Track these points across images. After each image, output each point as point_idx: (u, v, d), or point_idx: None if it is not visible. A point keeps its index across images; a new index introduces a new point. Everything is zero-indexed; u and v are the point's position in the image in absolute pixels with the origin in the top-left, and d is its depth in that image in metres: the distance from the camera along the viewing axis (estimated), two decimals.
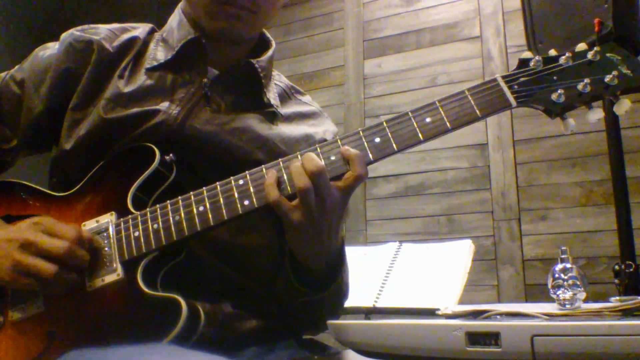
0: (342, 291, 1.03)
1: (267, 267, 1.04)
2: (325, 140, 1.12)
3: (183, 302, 0.83)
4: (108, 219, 0.93)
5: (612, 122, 1.80)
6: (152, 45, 1.10)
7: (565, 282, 1.23)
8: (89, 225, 0.94)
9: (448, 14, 3.05)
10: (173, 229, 0.89)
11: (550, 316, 1.18)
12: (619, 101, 0.86)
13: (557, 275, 1.24)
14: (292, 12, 3.43)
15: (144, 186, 0.95)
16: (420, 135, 0.87)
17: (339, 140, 0.89)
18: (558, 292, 1.24)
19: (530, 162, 2.72)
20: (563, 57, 0.88)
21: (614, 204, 1.80)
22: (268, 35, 1.17)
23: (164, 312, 0.83)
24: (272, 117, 1.10)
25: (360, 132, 0.89)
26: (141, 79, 1.05)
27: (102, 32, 1.10)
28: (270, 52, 1.14)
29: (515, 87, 0.88)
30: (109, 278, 0.89)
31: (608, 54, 0.87)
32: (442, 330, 1.22)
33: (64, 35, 1.10)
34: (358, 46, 3.24)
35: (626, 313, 1.15)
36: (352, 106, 3.18)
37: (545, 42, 1.83)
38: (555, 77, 0.88)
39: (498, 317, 1.25)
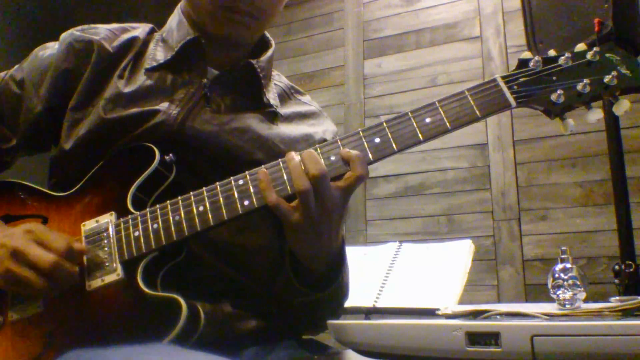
0: (342, 291, 1.03)
1: (267, 267, 1.04)
2: (325, 140, 1.12)
3: (183, 302, 0.82)
4: (108, 219, 0.93)
5: (612, 122, 1.80)
6: (151, 46, 1.10)
7: (565, 282, 1.23)
8: (89, 225, 0.94)
9: (448, 14, 3.05)
10: (173, 229, 0.89)
11: (550, 316, 1.18)
12: (618, 101, 0.86)
13: (557, 275, 1.24)
14: (292, 12, 3.43)
15: (144, 186, 0.95)
16: (420, 135, 0.87)
17: (339, 141, 0.89)
18: (558, 292, 1.24)
19: (530, 162, 2.72)
20: (562, 57, 0.88)
21: (614, 204, 1.80)
22: (268, 35, 1.17)
23: (164, 312, 0.83)
24: (272, 117, 1.10)
25: (360, 133, 0.89)
26: (141, 79, 1.05)
27: (101, 32, 1.10)
28: (269, 52, 1.14)
29: (515, 87, 0.88)
30: (109, 278, 0.89)
31: (607, 55, 0.87)
32: (442, 330, 1.22)
33: (63, 35, 1.10)
34: (358, 46, 3.24)
35: (626, 313, 1.15)
36: (352, 106, 3.18)
37: (545, 42, 1.83)
38: (554, 78, 0.88)
39: (498, 317, 1.25)
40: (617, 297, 1.37)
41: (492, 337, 1.15)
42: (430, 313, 1.44)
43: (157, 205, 0.92)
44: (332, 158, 0.87)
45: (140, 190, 0.95)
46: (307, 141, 1.11)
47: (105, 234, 0.92)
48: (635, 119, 2.50)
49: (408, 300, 1.57)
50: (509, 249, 2.67)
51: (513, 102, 0.87)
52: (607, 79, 0.85)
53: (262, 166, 0.89)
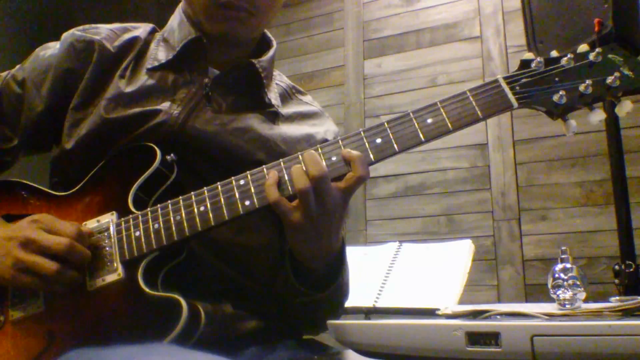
0: (342, 291, 1.03)
1: (267, 267, 1.04)
2: (326, 140, 1.12)
3: (183, 302, 0.83)
4: (109, 219, 0.93)
5: (612, 123, 1.80)
6: (153, 45, 1.10)
7: (565, 282, 1.23)
8: (90, 224, 0.94)
9: (448, 14, 3.05)
10: (174, 228, 0.89)
11: (550, 316, 1.18)
12: (621, 103, 0.86)
13: (557, 275, 1.25)
14: (292, 12, 3.43)
15: (145, 186, 0.95)
16: (421, 135, 0.87)
17: (340, 141, 0.89)
18: (558, 292, 1.24)
19: (530, 162, 2.72)
20: (564, 58, 0.88)
21: (614, 204, 1.80)
22: (269, 35, 1.17)
23: (165, 312, 0.83)
24: (273, 117, 1.10)
25: (362, 133, 0.89)
26: (142, 79, 1.05)
27: (103, 32, 1.10)
28: (271, 52, 1.14)
29: (517, 88, 0.88)
30: (110, 278, 0.89)
31: (610, 55, 0.87)
32: (442, 330, 1.22)
33: (65, 35, 1.10)
34: (358, 46, 3.24)
35: (626, 313, 1.16)
36: (352, 106, 3.18)
37: (545, 42, 1.83)
38: (556, 79, 0.87)
39: (498, 317, 1.25)
40: (617, 297, 1.38)
41: (492, 337, 1.15)
42: (430, 313, 1.44)
43: (158, 205, 0.92)
44: (333, 158, 0.87)
45: (142, 190, 0.95)
46: (308, 141, 1.11)
47: (106, 234, 0.92)
48: (635, 119, 2.49)
49: (408, 300, 1.57)
50: (509, 249, 2.67)
51: (515, 103, 0.87)
52: (609, 80, 0.85)
53: (263, 166, 0.89)
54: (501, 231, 2.71)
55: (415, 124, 0.87)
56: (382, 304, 1.59)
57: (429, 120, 0.87)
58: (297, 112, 1.16)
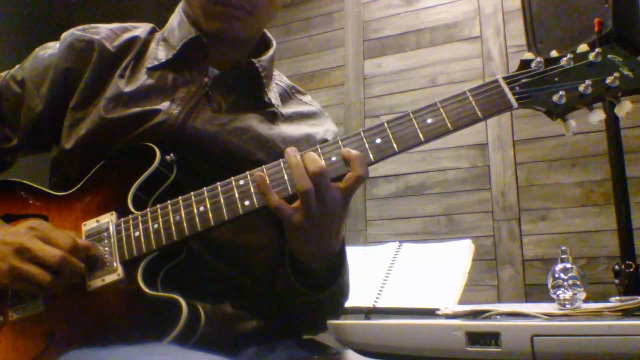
0: (342, 291, 1.03)
1: (267, 267, 1.04)
2: (326, 140, 1.12)
3: (183, 303, 0.82)
4: (108, 219, 0.93)
5: (612, 123, 1.80)
6: (153, 45, 1.10)
7: (565, 282, 1.23)
8: (90, 224, 0.94)
9: (448, 14, 3.05)
10: (173, 229, 0.89)
11: (550, 316, 1.18)
12: (620, 103, 0.86)
13: (557, 275, 1.25)
14: (292, 12, 3.43)
15: (145, 186, 0.95)
16: (421, 136, 0.87)
17: (339, 141, 0.89)
18: (558, 292, 1.24)
19: (530, 162, 2.72)
20: (564, 58, 0.88)
21: (614, 204, 1.80)
22: (269, 35, 1.17)
23: (164, 312, 0.83)
24: (273, 117, 1.10)
25: (361, 133, 0.89)
26: (142, 79, 1.05)
27: (102, 31, 1.09)
28: (271, 52, 1.14)
29: (517, 88, 0.88)
30: (109, 278, 0.89)
31: (609, 55, 0.87)
32: (442, 330, 1.22)
33: (64, 35, 1.10)
34: (358, 46, 3.24)
35: (626, 313, 1.15)
36: (352, 106, 3.18)
37: (545, 42, 1.83)
38: (556, 79, 0.87)
39: (498, 317, 1.25)
40: (617, 297, 1.38)
41: (492, 337, 1.15)
42: (430, 313, 1.44)
43: (158, 205, 0.92)
44: (333, 158, 0.87)
45: (141, 190, 0.95)
46: (308, 141, 1.11)
47: (106, 234, 0.92)
48: (635, 119, 2.49)
49: (408, 300, 1.57)
50: (509, 249, 2.67)
51: (515, 103, 0.87)
52: (609, 80, 0.85)
53: (263, 167, 0.89)
54: (501, 231, 2.71)
55: (415, 124, 0.87)
56: (382, 304, 1.60)
57: (429, 121, 0.87)
58: (296, 112, 1.16)
